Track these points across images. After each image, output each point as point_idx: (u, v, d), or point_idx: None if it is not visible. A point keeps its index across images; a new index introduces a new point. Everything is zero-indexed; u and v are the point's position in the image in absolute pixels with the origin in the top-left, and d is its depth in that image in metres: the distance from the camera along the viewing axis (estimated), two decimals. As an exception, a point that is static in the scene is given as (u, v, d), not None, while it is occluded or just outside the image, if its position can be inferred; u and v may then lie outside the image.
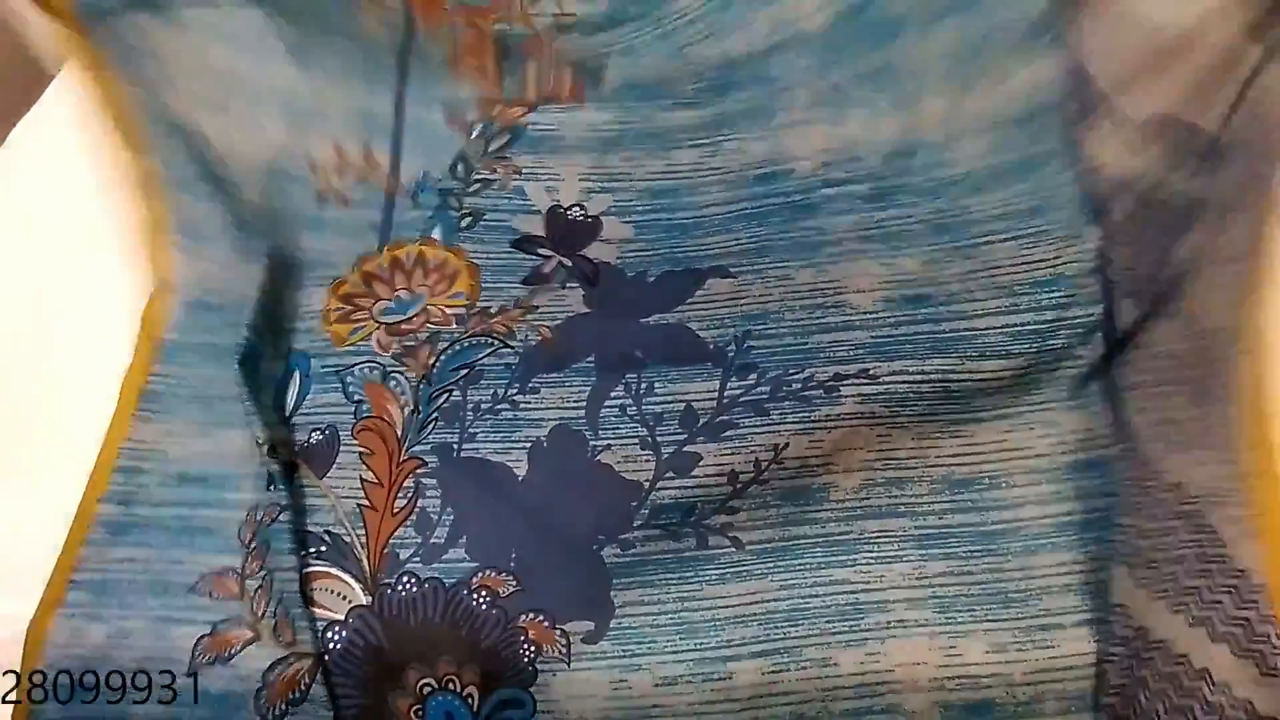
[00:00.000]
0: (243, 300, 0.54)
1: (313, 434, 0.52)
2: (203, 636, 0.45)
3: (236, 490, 0.50)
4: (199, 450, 0.51)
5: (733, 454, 0.48)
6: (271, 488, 0.48)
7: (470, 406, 0.53)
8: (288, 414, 0.53)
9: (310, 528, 0.48)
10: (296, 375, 0.55)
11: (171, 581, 0.47)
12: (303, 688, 0.44)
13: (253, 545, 0.48)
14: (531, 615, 0.47)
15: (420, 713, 0.44)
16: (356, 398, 0.53)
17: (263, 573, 0.46)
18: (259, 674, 0.44)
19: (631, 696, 0.45)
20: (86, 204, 0.74)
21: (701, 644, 0.46)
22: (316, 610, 0.46)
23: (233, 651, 0.45)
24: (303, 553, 0.47)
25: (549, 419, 0.52)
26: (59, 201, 0.75)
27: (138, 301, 0.66)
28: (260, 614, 0.46)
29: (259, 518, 0.48)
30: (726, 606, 0.46)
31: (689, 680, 0.45)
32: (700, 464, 0.49)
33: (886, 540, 0.47)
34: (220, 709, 0.43)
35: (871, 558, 0.47)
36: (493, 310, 0.57)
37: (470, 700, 0.45)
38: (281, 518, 0.48)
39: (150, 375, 0.55)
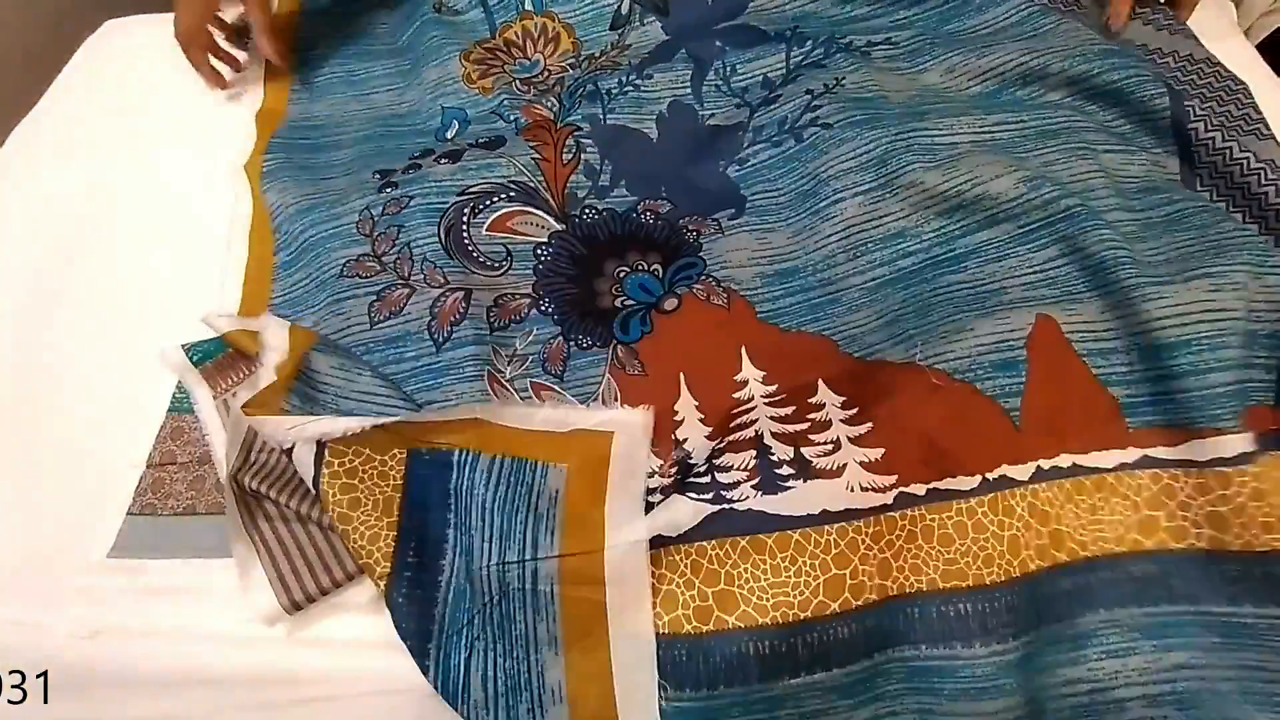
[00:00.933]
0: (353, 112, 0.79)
1: (479, 139, 0.72)
2: (373, 301, 0.61)
3: (344, 204, 0.67)
4: (306, 191, 0.70)
5: (806, 87, 0.69)
6: (388, 189, 0.67)
7: (604, 91, 0.73)
8: (450, 140, 0.74)
9: (492, 183, 0.67)
10: (455, 122, 0.75)
11: (326, 278, 0.64)
12: (460, 311, 0.60)
13: (376, 234, 0.65)
14: (688, 217, 0.66)
15: (619, 289, 0.62)
16: (512, 117, 0.73)
17: (397, 248, 0.64)
18: (425, 312, 0.60)
19: (771, 246, 0.63)
20: (90, 198, 0.76)
21: (818, 202, 0.63)
22: (522, 236, 0.66)
23: (400, 305, 0.61)
24: (492, 199, 0.66)
25: (665, 96, 0.72)
26: (63, 195, 0.76)
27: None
28: (408, 275, 0.62)
29: (376, 214, 0.66)
30: (830, 170, 0.64)
31: (815, 227, 0.63)
32: (782, 98, 0.69)
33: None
34: (397, 346, 0.60)
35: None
36: (596, 54, 0.77)
37: (656, 273, 0.63)
38: (412, 203, 0.66)
39: (264, 158, 0.74)
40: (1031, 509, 0.49)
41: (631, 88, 0.73)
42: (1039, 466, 0.50)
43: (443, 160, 0.70)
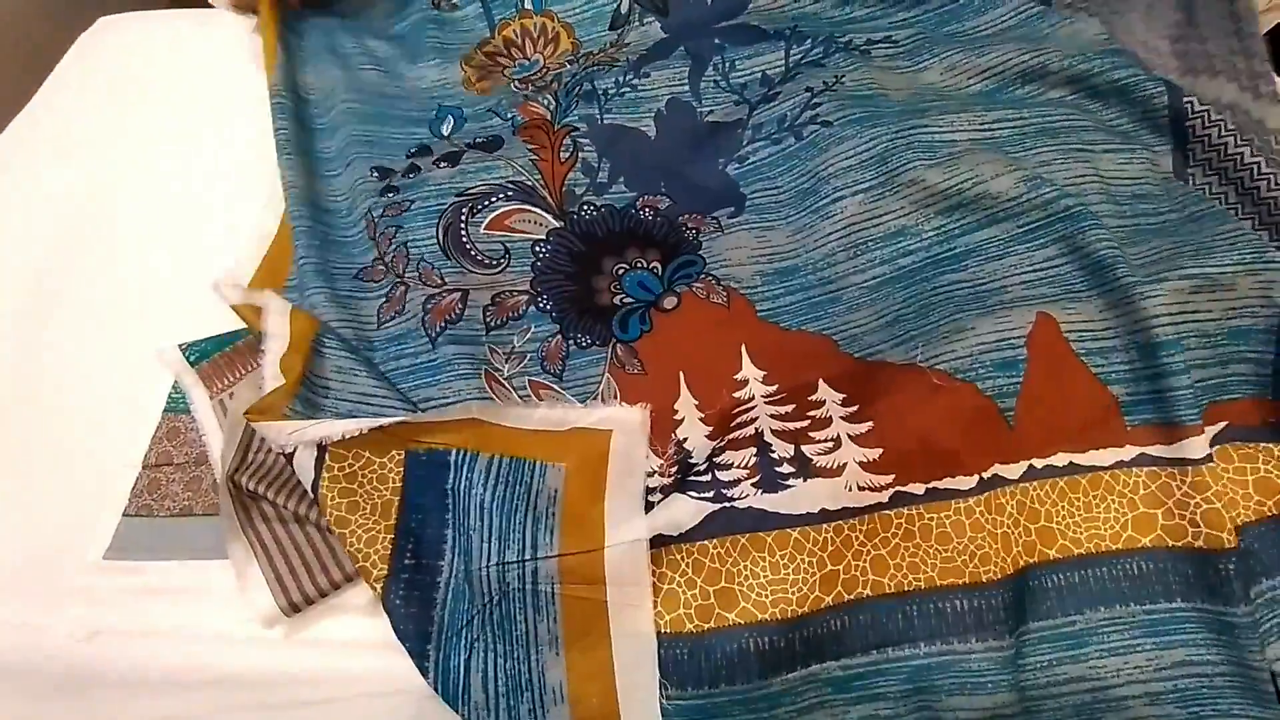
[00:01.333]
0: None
1: (476, 139, 0.71)
2: (382, 304, 0.63)
3: (353, 208, 0.69)
4: (323, 190, 0.72)
5: (805, 85, 0.69)
6: (389, 193, 0.68)
7: (601, 91, 0.73)
8: (446, 136, 0.74)
9: (490, 184, 0.67)
10: (450, 117, 0.75)
11: (338, 275, 0.65)
12: (456, 311, 0.61)
13: (378, 235, 0.66)
14: (688, 214, 0.66)
15: (617, 286, 0.62)
16: (509, 115, 0.73)
17: (394, 247, 0.65)
18: (419, 308, 0.61)
19: (771, 244, 0.63)
20: (85, 196, 0.76)
21: (818, 200, 0.63)
22: (520, 233, 0.66)
23: (402, 305, 0.62)
24: (490, 199, 0.66)
25: (663, 94, 0.72)
26: (58, 193, 0.76)
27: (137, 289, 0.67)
28: (402, 272, 0.64)
29: (377, 216, 0.67)
30: (830, 168, 0.64)
31: (815, 225, 0.63)
32: (781, 96, 0.69)
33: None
34: (398, 344, 0.61)
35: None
36: (595, 53, 0.77)
37: (656, 270, 0.63)
38: (413, 206, 0.67)
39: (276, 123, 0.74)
40: (1020, 507, 0.49)
41: (629, 88, 0.73)
42: (1031, 465, 0.50)
43: (441, 164, 0.69)
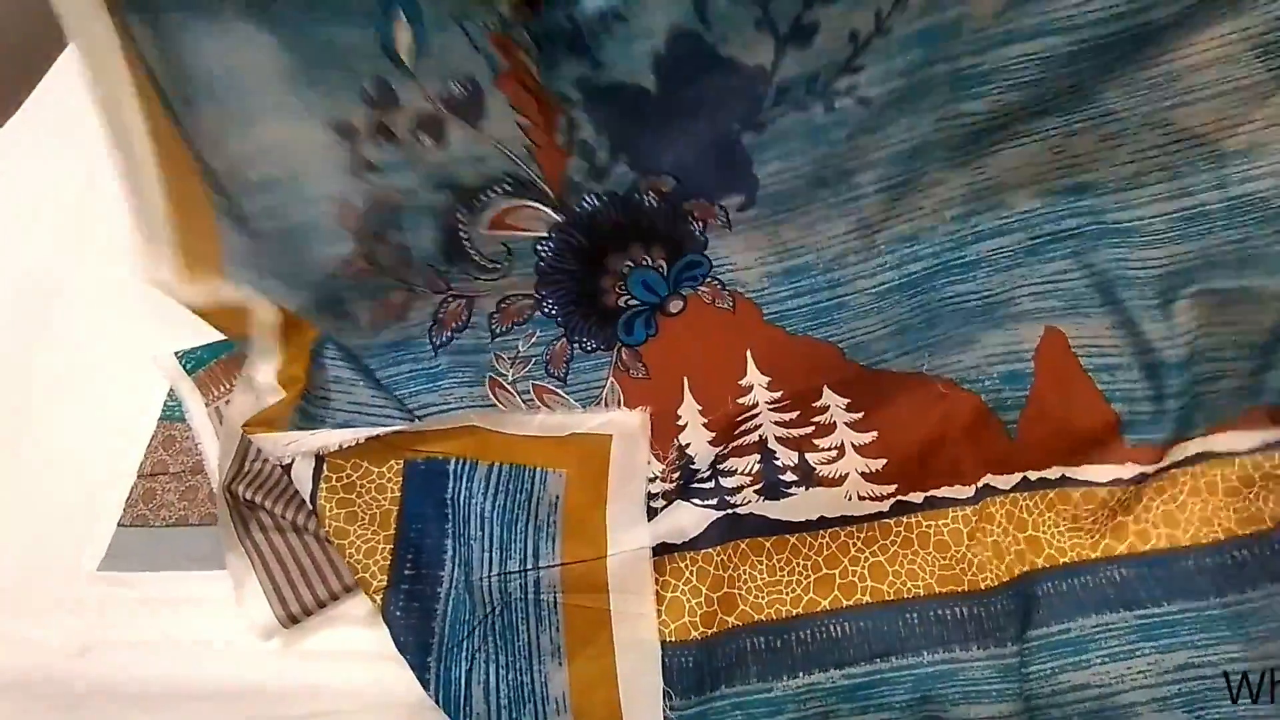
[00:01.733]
0: None
1: (450, 83, 0.51)
2: (374, 306, 0.56)
3: (310, 174, 0.51)
4: (260, 151, 0.50)
5: (850, 11, 0.47)
6: (369, 172, 0.52)
7: (586, 33, 0.51)
8: (406, 62, 0.51)
9: (483, 175, 0.55)
10: (403, 17, 0.50)
11: (308, 279, 0.54)
12: (462, 319, 0.58)
13: (365, 230, 0.54)
14: (693, 200, 0.56)
15: (622, 287, 0.57)
16: (485, 50, 0.51)
17: (395, 250, 0.55)
18: (427, 317, 0.57)
19: (780, 239, 0.56)
20: (86, 192, 0.75)
21: (835, 196, 0.54)
22: (522, 232, 0.57)
23: (403, 310, 0.57)
24: (486, 194, 0.55)
25: (660, 22, 0.49)
26: (53, 194, 0.75)
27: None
28: (407, 280, 0.56)
29: (362, 208, 0.53)
30: (853, 161, 0.53)
31: (829, 220, 0.55)
32: (819, 31, 0.48)
33: None
34: (397, 350, 0.57)
35: None
36: None
37: (661, 269, 0.58)
38: (402, 199, 0.54)
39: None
40: (1009, 515, 0.50)
41: (618, 22, 0.51)
42: (1025, 477, 0.51)
43: (421, 134, 0.54)
